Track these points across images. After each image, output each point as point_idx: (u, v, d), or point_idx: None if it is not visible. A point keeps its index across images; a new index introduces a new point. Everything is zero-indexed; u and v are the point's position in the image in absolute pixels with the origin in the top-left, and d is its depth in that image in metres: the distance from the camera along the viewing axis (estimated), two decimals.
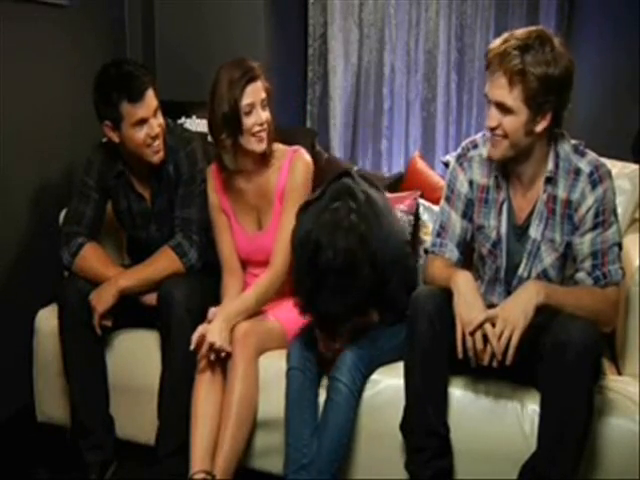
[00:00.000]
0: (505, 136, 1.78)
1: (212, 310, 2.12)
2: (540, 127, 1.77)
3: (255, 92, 2.09)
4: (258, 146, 2.12)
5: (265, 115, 2.11)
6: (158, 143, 2.17)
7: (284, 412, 1.98)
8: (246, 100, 2.08)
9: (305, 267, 1.86)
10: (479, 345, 1.71)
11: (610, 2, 3.21)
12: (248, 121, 2.09)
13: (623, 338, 2.01)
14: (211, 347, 2.01)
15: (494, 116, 1.78)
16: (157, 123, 2.16)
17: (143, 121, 2.12)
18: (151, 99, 2.14)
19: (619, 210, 2.12)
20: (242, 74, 2.08)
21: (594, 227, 1.81)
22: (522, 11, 3.31)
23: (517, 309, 1.69)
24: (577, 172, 1.83)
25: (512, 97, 1.73)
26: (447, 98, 3.49)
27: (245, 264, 2.28)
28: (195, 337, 2.03)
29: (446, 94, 3.49)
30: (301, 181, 2.18)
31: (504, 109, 1.75)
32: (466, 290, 1.76)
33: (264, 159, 2.19)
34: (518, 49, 1.71)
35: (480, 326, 1.70)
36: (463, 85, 3.46)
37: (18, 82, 2.45)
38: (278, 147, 2.23)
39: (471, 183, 1.95)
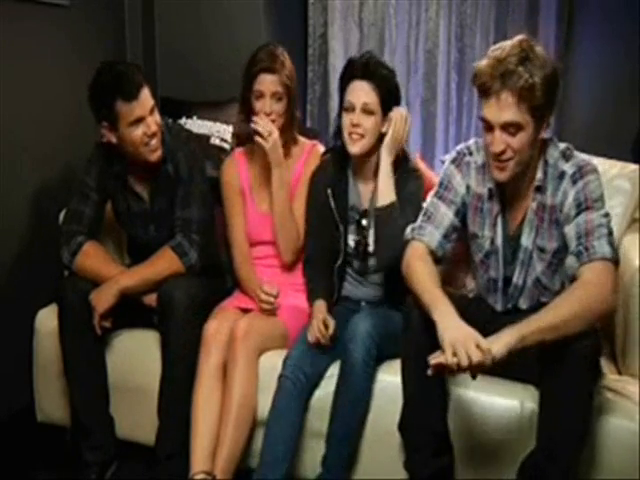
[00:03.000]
0: (511, 159, 1.74)
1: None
2: (543, 133, 1.76)
3: (267, 83, 2.18)
4: None
5: (273, 107, 2.18)
6: (155, 141, 2.16)
7: (267, 416, 1.99)
8: (257, 86, 2.18)
9: None
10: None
11: (610, 3, 3.21)
12: (257, 105, 2.19)
13: (623, 338, 2.01)
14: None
15: (500, 140, 1.72)
16: (154, 121, 2.15)
17: (139, 120, 2.11)
18: (146, 97, 2.13)
19: (619, 210, 2.14)
20: (261, 61, 2.18)
21: (577, 214, 1.77)
22: (522, 11, 3.31)
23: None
24: (561, 176, 1.81)
25: (521, 113, 1.69)
26: (447, 98, 3.49)
27: (253, 243, 2.32)
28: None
29: (446, 94, 3.49)
30: None
31: (513, 128, 1.70)
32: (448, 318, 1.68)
33: (284, 148, 2.24)
34: (520, 64, 1.67)
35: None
36: (463, 85, 3.46)
37: (18, 82, 2.45)
38: (300, 140, 2.34)
39: (468, 188, 1.93)
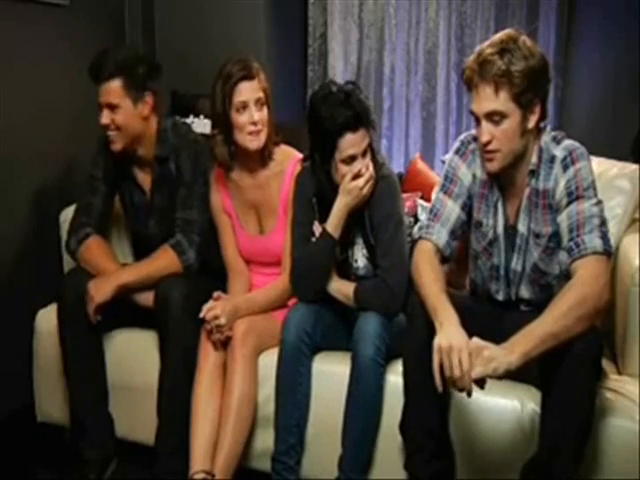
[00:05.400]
0: (499, 150, 1.76)
1: (218, 293, 2.11)
2: (532, 123, 1.76)
3: (249, 91, 2.09)
4: (251, 144, 2.12)
5: (259, 115, 2.10)
6: (113, 134, 2.16)
7: (275, 388, 2.00)
8: (238, 97, 2.09)
9: None
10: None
11: (610, 3, 3.22)
12: (240, 119, 2.09)
13: (623, 338, 2.01)
14: (215, 318, 2.03)
15: (486, 130, 1.75)
16: (107, 115, 2.15)
17: (100, 106, 2.15)
18: (109, 89, 2.13)
19: (619, 210, 2.14)
20: (237, 71, 2.09)
21: (569, 203, 1.76)
22: (522, 11, 3.32)
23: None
24: (552, 160, 1.81)
25: (501, 101, 1.72)
26: (447, 98, 3.50)
27: (250, 263, 2.29)
28: (205, 308, 2.05)
29: (446, 94, 3.50)
30: None
31: (496, 117, 1.73)
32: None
33: (263, 157, 2.19)
34: (496, 54, 1.72)
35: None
36: (463, 85, 3.46)
37: (18, 82, 2.45)
38: (281, 148, 2.24)
39: (474, 177, 1.92)
